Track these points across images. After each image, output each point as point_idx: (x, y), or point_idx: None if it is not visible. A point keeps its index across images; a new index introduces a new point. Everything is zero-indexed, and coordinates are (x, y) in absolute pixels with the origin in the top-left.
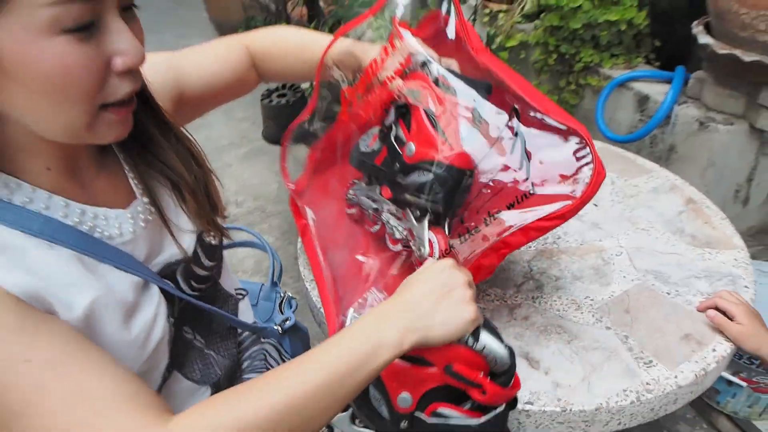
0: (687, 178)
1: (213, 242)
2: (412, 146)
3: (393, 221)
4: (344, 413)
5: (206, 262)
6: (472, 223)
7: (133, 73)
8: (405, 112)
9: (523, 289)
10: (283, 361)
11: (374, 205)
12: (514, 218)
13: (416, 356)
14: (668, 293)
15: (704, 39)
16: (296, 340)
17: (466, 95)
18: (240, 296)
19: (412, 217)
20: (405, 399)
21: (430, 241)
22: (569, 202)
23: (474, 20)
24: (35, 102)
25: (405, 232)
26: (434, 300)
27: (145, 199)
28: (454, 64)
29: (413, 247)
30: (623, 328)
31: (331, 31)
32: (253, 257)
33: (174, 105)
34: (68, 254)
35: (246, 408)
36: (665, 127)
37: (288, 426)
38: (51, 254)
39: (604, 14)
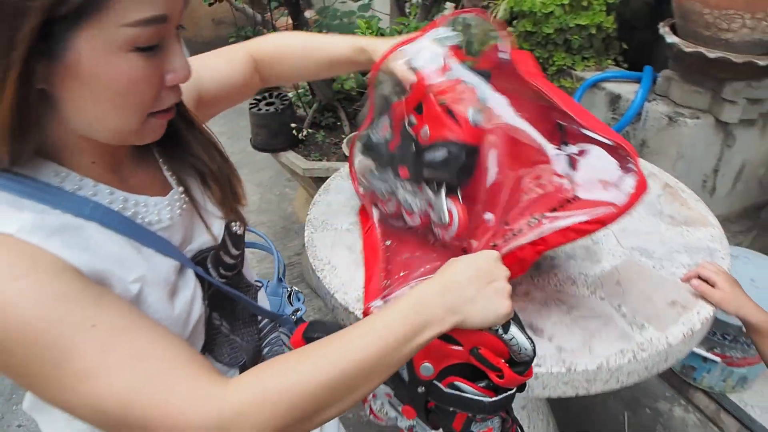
0: None
1: (239, 232)
2: (426, 129)
3: (409, 197)
4: None
5: (233, 251)
6: (516, 225)
7: (178, 85)
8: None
9: None
10: None
11: (387, 187)
12: (556, 220)
13: (447, 334)
14: (654, 266)
15: (671, 39)
16: None
17: (474, 82)
18: (258, 286)
19: (429, 191)
20: (427, 368)
21: (449, 209)
22: (611, 209)
23: None
24: (98, 108)
25: (423, 204)
26: (477, 287)
27: (180, 189)
28: None
29: (432, 217)
30: (616, 298)
31: None
32: (251, 258)
33: (194, 105)
34: (118, 236)
35: (303, 372)
36: (637, 124)
37: (339, 394)
38: (105, 235)
39: (575, 19)
